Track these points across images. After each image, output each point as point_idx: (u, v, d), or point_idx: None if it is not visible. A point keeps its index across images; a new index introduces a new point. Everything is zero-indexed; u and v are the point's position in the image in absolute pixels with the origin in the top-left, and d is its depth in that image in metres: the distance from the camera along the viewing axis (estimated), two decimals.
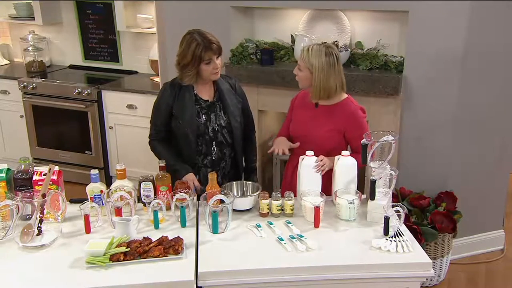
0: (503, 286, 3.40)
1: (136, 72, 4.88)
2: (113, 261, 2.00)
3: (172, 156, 2.69)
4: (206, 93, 2.74)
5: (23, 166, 2.41)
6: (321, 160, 2.51)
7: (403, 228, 2.26)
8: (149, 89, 4.32)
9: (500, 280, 3.44)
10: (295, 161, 2.66)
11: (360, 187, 2.62)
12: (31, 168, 2.41)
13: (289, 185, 2.76)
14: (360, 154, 2.40)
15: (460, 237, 3.47)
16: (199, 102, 2.71)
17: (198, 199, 2.48)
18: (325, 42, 2.78)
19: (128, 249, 2.04)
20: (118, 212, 2.29)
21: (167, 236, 2.14)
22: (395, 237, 2.18)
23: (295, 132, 2.77)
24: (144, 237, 2.13)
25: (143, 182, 2.43)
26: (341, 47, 3.48)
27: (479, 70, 3.25)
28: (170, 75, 2.84)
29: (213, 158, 2.75)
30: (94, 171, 2.41)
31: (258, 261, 2.07)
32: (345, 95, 2.72)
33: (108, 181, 4.57)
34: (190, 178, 2.63)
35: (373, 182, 2.35)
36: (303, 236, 2.20)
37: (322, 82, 2.58)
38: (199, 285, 1.98)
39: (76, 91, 4.42)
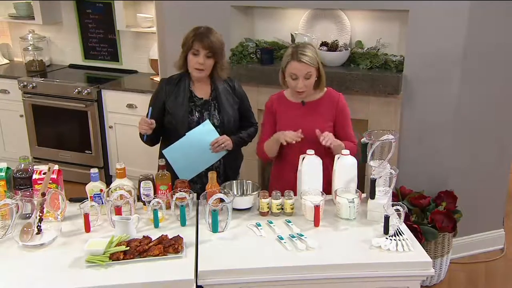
0: (503, 286, 3.40)
1: (136, 72, 4.88)
2: (112, 260, 2.00)
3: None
4: (202, 91, 2.74)
5: (22, 165, 2.41)
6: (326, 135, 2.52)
7: (403, 227, 2.26)
8: (149, 89, 4.30)
9: (500, 280, 3.44)
10: (289, 160, 2.66)
11: (360, 186, 2.61)
12: (30, 167, 2.40)
13: (288, 187, 2.72)
14: (350, 141, 2.62)
15: (460, 236, 3.47)
16: (194, 99, 2.72)
17: (198, 198, 2.48)
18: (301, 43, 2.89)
19: (128, 248, 2.04)
20: (118, 211, 2.29)
21: (167, 235, 2.14)
22: (395, 236, 2.17)
23: None
24: (144, 236, 2.13)
25: (143, 181, 2.43)
26: (341, 46, 3.49)
27: (479, 70, 3.25)
28: (170, 75, 2.83)
29: None
30: (94, 170, 2.41)
31: (258, 260, 2.07)
32: (324, 88, 2.74)
33: (108, 180, 4.56)
34: (143, 119, 2.62)
35: (373, 181, 2.35)
36: (303, 235, 2.20)
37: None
38: (198, 284, 1.98)
39: (76, 90, 4.42)
